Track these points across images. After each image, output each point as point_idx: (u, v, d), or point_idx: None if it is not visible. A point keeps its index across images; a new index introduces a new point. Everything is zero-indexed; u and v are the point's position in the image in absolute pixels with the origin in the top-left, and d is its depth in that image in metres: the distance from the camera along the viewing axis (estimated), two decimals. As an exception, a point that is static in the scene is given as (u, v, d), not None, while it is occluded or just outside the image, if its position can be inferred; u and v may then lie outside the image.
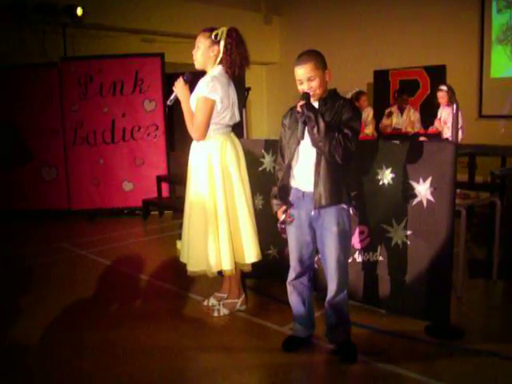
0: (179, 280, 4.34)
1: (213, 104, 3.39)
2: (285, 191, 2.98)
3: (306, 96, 2.76)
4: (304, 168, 2.87)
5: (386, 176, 3.33)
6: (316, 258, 3.15)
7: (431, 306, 3.24)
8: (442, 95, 6.43)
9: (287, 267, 3.11)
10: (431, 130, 6.56)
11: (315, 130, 2.69)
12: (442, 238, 3.14)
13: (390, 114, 7.66)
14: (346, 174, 2.85)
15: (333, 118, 2.77)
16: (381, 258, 3.46)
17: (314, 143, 2.75)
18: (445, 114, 6.46)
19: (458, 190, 3.85)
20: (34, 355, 3.21)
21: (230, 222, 3.50)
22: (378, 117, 7.94)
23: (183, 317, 3.76)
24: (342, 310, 3.00)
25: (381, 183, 3.36)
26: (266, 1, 11.82)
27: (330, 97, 2.85)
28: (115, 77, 7.12)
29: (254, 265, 3.67)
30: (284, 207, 2.98)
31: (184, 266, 3.62)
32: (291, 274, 3.08)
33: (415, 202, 3.24)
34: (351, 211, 2.95)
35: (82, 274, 4.75)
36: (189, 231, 3.56)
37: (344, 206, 2.86)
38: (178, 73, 3.75)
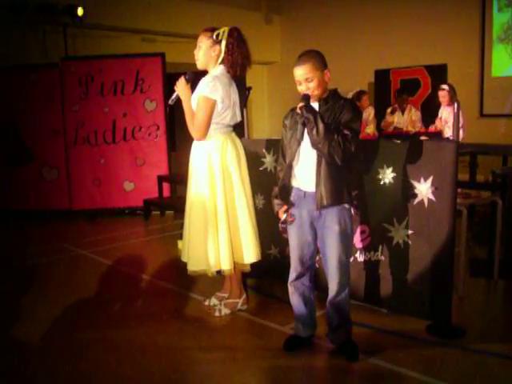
0: (180, 280, 4.34)
1: (213, 104, 3.39)
2: (286, 191, 2.98)
3: (305, 98, 2.77)
4: (305, 168, 2.87)
5: (387, 175, 3.33)
6: (317, 258, 3.15)
7: (432, 305, 3.24)
8: (443, 94, 6.42)
9: (288, 267, 3.11)
10: (432, 128, 6.55)
11: (314, 131, 2.69)
12: (443, 237, 3.13)
13: (395, 111, 7.65)
14: (347, 173, 2.85)
15: (333, 118, 2.77)
16: (382, 258, 3.46)
17: (314, 145, 2.75)
18: (446, 113, 6.45)
19: (459, 190, 3.85)
20: (35, 355, 3.22)
21: (229, 222, 3.50)
22: (379, 116, 7.93)
23: (184, 317, 3.76)
24: (344, 310, 3.00)
25: (382, 183, 3.36)
26: (267, 0, 11.81)
27: (331, 97, 2.85)
28: (116, 77, 7.12)
29: (255, 264, 3.67)
30: (285, 207, 2.98)
31: (185, 265, 3.63)
32: (292, 275, 3.08)
33: (416, 201, 3.24)
34: (352, 211, 2.95)
35: (83, 274, 4.75)
36: (189, 231, 3.57)
37: (345, 205, 2.86)
38: (178, 73, 3.75)
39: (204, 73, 3.52)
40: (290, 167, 2.93)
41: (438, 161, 3.12)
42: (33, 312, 3.88)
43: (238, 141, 3.65)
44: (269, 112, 12.38)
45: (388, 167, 3.32)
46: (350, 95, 7.27)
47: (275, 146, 3.69)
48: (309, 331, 3.17)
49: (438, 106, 6.62)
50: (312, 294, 3.14)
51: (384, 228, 3.40)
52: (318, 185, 2.80)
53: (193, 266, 3.57)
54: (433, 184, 3.15)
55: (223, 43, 3.44)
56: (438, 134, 6.38)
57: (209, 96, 3.37)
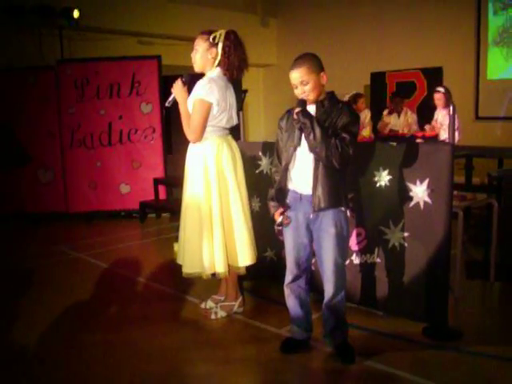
0: (177, 283, 4.34)
1: (209, 106, 3.39)
2: (282, 193, 2.98)
3: (301, 103, 2.77)
4: (301, 171, 2.87)
5: (383, 178, 3.33)
6: (313, 261, 3.15)
7: (429, 307, 3.24)
8: (438, 97, 6.43)
9: (284, 269, 3.11)
10: (428, 131, 6.56)
11: (311, 136, 2.70)
12: (439, 239, 3.14)
13: (392, 112, 7.66)
14: (343, 176, 2.85)
15: (330, 121, 2.77)
16: (378, 260, 3.46)
17: (311, 149, 2.75)
18: (441, 116, 6.46)
19: (455, 192, 3.85)
20: (33, 358, 3.20)
21: (224, 224, 3.49)
22: (375, 119, 7.95)
23: (181, 319, 3.76)
24: (340, 312, 3.00)
25: (378, 185, 3.36)
26: (263, 3, 11.83)
27: (328, 100, 2.85)
28: (112, 79, 7.12)
29: (251, 267, 3.67)
30: (281, 209, 2.98)
31: (181, 268, 3.62)
32: (288, 277, 3.07)
33: (412, 203, 3.24)
34: (348, 213, 2.95)
35: (79, 277, 4.74)
36: (184, 233, 3.56)
37: (342, 208, 2.86)
38: (175, 75, 3.75)
39: (201, 75, 3.52)
40: (285, 170, 2.93)
41: (433, 163, 3.12)
42: (29, 315, 3.87)
43: (234, 143, 3.65)
44: (265, 115, 12.40)
45: (384, 170, 3.33)
46: (346, 98, 7.28)
47: (271, 148, 3.69)
48: (305, 334, 3.17)
49: (434, 108, 6.63)
50: (308, 297, 3.14)
51: (380, 230, 3.40)
52: (314, 188, 2.80)
53: (188, 269, 3.56)
54: (429, 186, 3.15)
55: (220, 46, 3.44)
56: (434, 137, 6.39)
57: (204, 98, 3.37)
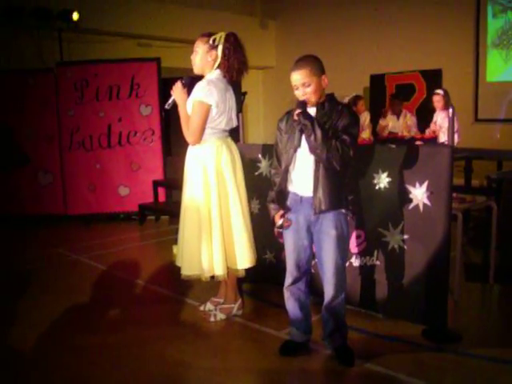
0: (176, 285, 4.33)
1: (208, 108, 3.38)
2: (282, 195, 2.97)
3: (302, 104, 2.77)
4: (302, 173, 2.87)
5: (383, 180, 3.33)
6: (312, 262, 3.14)
7: (428, 310, 3.24)
8: (437, 99, 6.43)
9: (283, 271, 3.10)
10: (428, 134, 6.56)
11: (312, 138, 2.70)
12: (438, 241, 3.14)
13: (385, 114, 7.69)
14: (343, 178, 2.84)
15: (330, 123, 2.77)
16: (377, 262, 3.46)
17: (312, 150, 2.75)
18: (440, 118, 6.46)
19: (455, 194, 3.85)
20: (31, 360, 3.20)
21: (223, 227, 3.49)
22: (374, 121, 7.95)
23: (180, 322, 3.75)
24: (340, 315, 3.00)
25: (377, 187, 3.36)
26: (262, 5, 11.86)
27: (328, 102, 2.85)
28: (111, 81, 7.11)
29: (250, 269, 3.66)
30: (281, 211, 2.97)
31: (180, 270, 3.61)
32: (288, 279, 3.07)
33: (412, 206, 3.24)
34: (349, 216, 2.95)
35: (78, 279, 4.73)
36: (183, 235, 3.56)
37: (342, 210, 2.86)
38: (174, 77, 3.75)
39: (201, 77, 3.52)
40: (286, 172, 2.92)
41: (433, 166, 3.12)
42: (27, 317, 3.86)
43: (233, 146, 3.65)
44: (264, 117, 12.41)
45: (383, 172, 3.33)
46: (346, 100, 7.28)
47: (271, 151, 3.68)
48: (304, 336, 3.16)
49: (433, 110, 6.63)
50: (308, 299, 3.13)
51: (379, 233, 3.40)
52: (315, 190, 2.80)
53: (186, 271, 3.55)
54: (428, 189, 3.15)
55: (220, 48, 3.44)
56: (433, 139, 6.39)
57: (203, 100, 3.36)
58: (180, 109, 3.49)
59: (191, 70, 3.56)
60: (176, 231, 3.85)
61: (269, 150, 3.91)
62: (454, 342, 3.20)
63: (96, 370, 3.05)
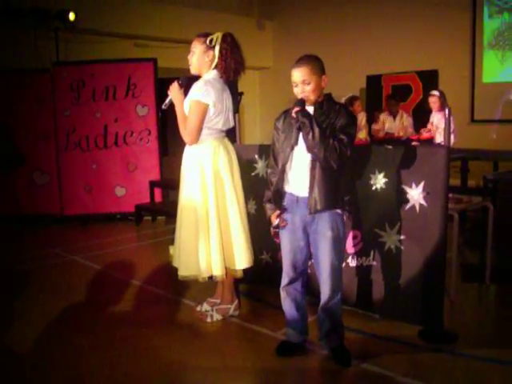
0: (172, 285, 4.33)
1: (205, 108, 3.38)
2: (279, 195, 2.97)
3: (300, 102, 2.77)
4: (298, 172, 2.87)
5: (379, 181, 3.33)
6: (309, 263, 3.14)
7: (424, 310, 3.24)
8: (433, 100, 6.44)
9: (280, 272, 3.10)
10: (425, 135, 6.57)
11: (310, 136, 2.69)
12: (434, 242, 3.14)
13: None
14: (340, 178, 2.84)
15: (328, 123, 2.77)
16: (374, 263, 3.46)
17: (309, 149, 2.75)
18: (437, 119, 6.47)
19: (451, 195, 3.86)
20: (28, 360, 3.19)
21: (221, 227, 3.49)
22: (371, 122, 7.96)
23: (176, 322, 3.75)
24: (336, 315, 3.00)
25: (373, 188, 3.36)
26: (259, 6, 11.85)
27: (326, 102, 2.85)
28: (108, 82, 7.11)
29: (246, 270, 3.66)
30: (277, 212, 2.97)
31: (176, 271, 3.61)
32: (284, 280, 3.07)
33: (408, 206, 3.24)
34: (345, 216, 2.95)
35: (74, 280, 4.72)
36: (180, 236, 3.55)
37: (338, 210, 2.86)
38: (171, 78, 3.75)
39: (197, 77, 3.52)
40: (282, 171, 2.92)
41: (429, 166, 3.13)
42: (24, 317, 3.85)
43: (230, 146, 3.65)
44: (261, 117, 12.40)
45: (380, 173, 3.33)
46: (342, 100, 7.29)
47: (267, 151, 3.69)
48: (301, 337, 3.16)
49: (430, 111, 6.64)
50: (304, 300, 3.13)
51: (376, 233, 3.40)
52: (311, 189, 2.80)
53: (183, 272, 3.55)
54: (424, 189, 3.15)
55: (217, 48, 3.44)
56: (430, 140, 6.40)
57: (201, 100, 3.36)
58: (177, 109, 3.49)
59: (188, 70, 3.56)
60: (172, 231, 3.84)
61: (265, 151, 3.91)
62: (450, 343, 3.20)
63: (93, 370, 3.05)
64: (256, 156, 4.05)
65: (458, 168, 6.57)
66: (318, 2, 10.83)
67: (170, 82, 3.57)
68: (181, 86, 3.51)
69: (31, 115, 7.09)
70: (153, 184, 7.16)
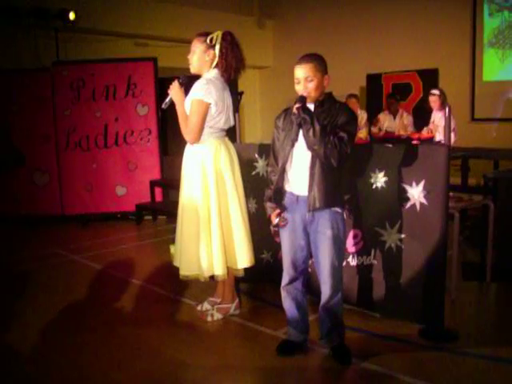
0: (173, 285, 4.33)
1: (207, 107, 3.38)
2: (279, 194, 2.97)
3: (302, 99, 2.77)
4: (298, 171, 2.86)
5: (379, 179, 3.33)
6: (309, 262, 3.14)
7: (425, 308, 3.24)
8: (434, 99, 6.43)
9: (280, 271, 3.10)
10: (425, 134, 6.56)
11: (311, 132, 2.69)
12: (435, 240, 3.14)
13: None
14: (340, 177, 2.84)
15: (328, 121, 2.77)
16: (375, 262, 3.46)
17: (310, 146, 2.75)
18: (437, 118, 6.47)
19: (451, 193, 3.86)
20: (27, 361, 3.19)
21: (222, 226, 3.48)
22: (371, 120, 7.95)
23: (177, 322, 3.75)
24: (337, 314, 3.00)
25: (374, 187, 3.36)
26: (259, 5, 11.85)
27: (326, 100, 2.86)
28: (108, 81, 7.11)
29: (247, 269, 3.66)
30: (278, 210, 2.97)
31: (177, 270, 3.61)
32: (285, 279, 3.07)
33: (408, 205, 3.24)
34: (345, 215, 2.95)
35: (74, 280, 4.73)
36: (181, 235, 3.55)
37: (338, 209, 2.86)
38: (171, 77, 3.75)
39: (198, 76, 3.52)
40: (282, 170, 2.92)
41: (429, 165, 3.13)
42: (24, 318, 3.85)
43: (231, 145, 3.64)
44: (261, 116, 12.40)
45: (380, 171, 3.33)
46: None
47: (267, 150, 3.69)
48: (302, 336, 3.16)
49: (430, 110, 6.63)
50: (305, 299, 3.13)
51: (376, 232, 3.40)
52: (310, 187, 2.80)
53: (185, 271, 3.55)
54: (425, 188, 3.15)
55: (217, 47, 3.44)
56: (430, 139, 6.39)
57: (203, 99, 3.36)
58: (178, 108, 3.49)
59: (188, 69, 3.56)
60: (173, 231, 3.84)
61: (265, 150, 3.91)
62: (450, 341, 3.20)
63: (93, 370, 3.05)
64: (256, 155, 4.04)
65: (459, 166, 6.57)
66: (319, 1, 10.82)
67: (170, 81, 3.56)
68: (181, 84, 3.50)
69: (31, 115, 7.08)
70: (153, 183, 7.16)
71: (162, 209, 7.15)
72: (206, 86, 3.38)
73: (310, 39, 10.72)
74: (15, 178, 7.12)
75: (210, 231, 3.46)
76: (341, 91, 7.22)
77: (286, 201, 2.96)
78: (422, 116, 7.28)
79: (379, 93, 9.17)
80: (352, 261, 3.56)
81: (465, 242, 5.22)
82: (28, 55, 8.02)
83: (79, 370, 3.06)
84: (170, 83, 3.52)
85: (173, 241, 3.80)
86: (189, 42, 3.54)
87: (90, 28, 8.53)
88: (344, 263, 3.29)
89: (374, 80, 9.40)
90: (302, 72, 2.79)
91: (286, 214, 2.96)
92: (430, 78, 8.48)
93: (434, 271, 3.18)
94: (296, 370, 3.01)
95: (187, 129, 3.44)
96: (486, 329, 3.51)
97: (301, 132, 2.80)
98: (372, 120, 7.90)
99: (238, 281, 3.93)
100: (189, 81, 3.53)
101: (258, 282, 4.21)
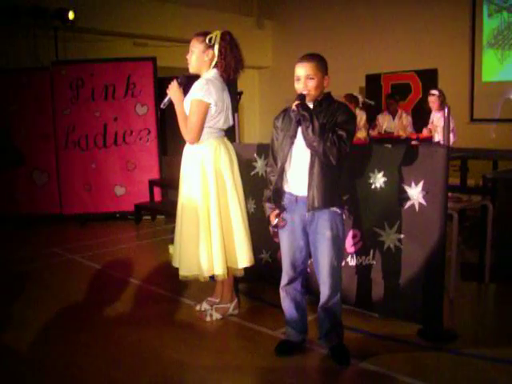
0: (171, 285, 4.33)
1: (207, 107, 3.38)
2: (278, 195, 2.97)
3: (301, 96, 2.78)
4: (297, 171, 2.87)
5: (378, 180, 3.33)
6: (308, 262, 3.14)
7: (424, 309, 3.24)
8: (433, 100, 6.44)
9: (279, 271, 3.11)
10: (424, 134, 6.57)
11: (310, 129, 2.70)
12: (434, 241, 3.14)
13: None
14: (338, 177, 2.85)
15: (327, 120, 2.77)
16: (373, 262, 3.46)
17: (308, 143, 2.75)
18: (436, 118, 6.47)
19: (450, 194, 3.86)
20: (27, 360, 3.19)
21: (222, 226, 3.48)
22: (371, 121, 7.96)
23: (175, 322, 3.75)
24: (336, 315, 3.00)
25: (373, 187, 3.36)
26: (258, 5, 11.84)
27: (325, 100, 2.86)
28: (107, 81, 7.10)
29: (246, 269, 3.66)
30: (277, 211, 2.97)
31: (176, 270, 3.61)
32: (284, 279, 3.07)
33: (407, 205, 3.24)
34: (344, 215, 2.95)
35: (73, 279, 4.72)
36: (181, 235, 3.55)
37: (337, 210, 2.86)
38: (170, 77, 3.74)
39: (196, 76, 3.52)
40: (282, 170, 2.92)
41: (428, 165, 3.13)
42: (22, 317, 3.85)
43: (230, 145, 3.64)
44: (260, 116, 12.40)
45: (379, 172, 3.33)
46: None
47: (266, 150, 3.68)
48: (300, 336, 3.16)
49: (429, 111, 6.64)
50: (304, 299, 3.13)
51: (375, 232, 3.40)
52: (309, 186, 2.80)
53: (184, 271, 3.55)
54: (424, 188, 3.15)
55: (216, 47, 3.44)
56: (429, 139, 6.40)
57: (202, 99, 3.36)
58: (176, 107, 3.49)
59: (187, 69, 3.56)
60: (172, 231, 3.84)
61: (264, 150, 3.91)
62: (449, 341, 3.21)
63: (92, 370, 3.05)
64: (255, 155, 4.04)
65: (458, 167, 6.56)
66: (318, 1, 10.83)
67: (169, 81, 3.56)
68: (180, 84, 3.50)
69: (30, 114, 7.07)
70: (152, 183, 7.15)
71: (160, 209, 7.15)
72: (206, 86, 3.37)
73: (309, 39, 10.71)
74: (14, 177, 7.11)
75: (210, 231, 3.46)
76: (340, 91, 7.24)
77: (285, 201, 2.96)
78: (421, 116, 7.30)
79: (378, 93, 9.17)
80: (351, 261, 3.56)
81: (463, 243, 5.23)
82: (27, 55, 8.01)
83: (78, 369, 3.05)
84: (169, 83, 3.52)
85: (172, 241, 3.80)
86: (188, 42, 3.53)
87: (89, 27, 8.52)
88: (343, 263, 3.29)
89: (373, 80, 9.40)
90: (303, 70, 2.80)
91: (285, 215, 2.96)
92: (429, 78, 8.49)
93: (432, 271, 3.18)
94: (294, 370, 3.01)
95: (187, 129, 3.44)
96: (485, 329, 3.51)
97: (299, 130, 2.81)
98: (371, 121, 7.89)
99: (236, 281, 3.93)
100: (187, 81, 3.52)
101: (257, 281, 4.21)
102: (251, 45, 10.44)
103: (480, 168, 6.81)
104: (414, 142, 6.33)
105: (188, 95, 3.45)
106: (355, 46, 10.24)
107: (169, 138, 7.51)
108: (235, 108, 4.26)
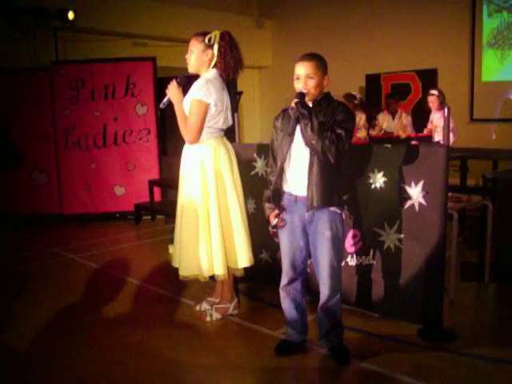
0: (171, 285, 4.32)
1: (207, 107, 3.38)
2: (278, 195, 2.97)
3: (300, 95, 2.78)
4: (297, 171, 2.87)
5: (378, 180, 3.33)
6: (308, 262, 3.14)
7: (424, 309, 3.24)
8: (432, 100, 6.44)
9: (279, 271, 3.10)
10: (423, 133, 6.57)
11: (309, 127, 2.70)
12: (434, 241, 3.14)
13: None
14: (338, 177, 2.85)
15: (326, 119, 2.78)
16: (373, 262, 3.46)
17: (307, 141, 2.75)
18: (436, 118, 6.47)
19: (450, 194, 3.86)
20: (26, 360, 3.19)
21: (222, 226, 3.48)
22: (370, 121, 7.94)
23: (175, 322, 3.74)
24: (335, 315, 3.00)
25: (373, 187, 3.36)
26: (258, 5, 11.84)
27: (324, 99, 2.86)
28: (107, 81, 7.10)
29: (246, 269, 3.66)
30: (276, 211, 2.97)
31: (176, 270, 3.61)
32: (284, 279, 3.07)
33: (407, 205, 3.24)
34: (344, 215, 2.95)
35: (73, 279, 4.72)
36: (181, 235, 3.55)
37: (337, 210, 2.86)
38: (169, 77, 3.74)
39: (196, 76, 3.52)
40: (281, 170, 2.92)
41: (428, 165, 3.13)
42: (22, 317, 3.85)
43: (229, 145, 3.64)
44: (260, 116, 12.40)
45: (379, 172, 3.33)
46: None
47: (266, 150, 3.68)
48: (300, 336, 3.16)
49: (429, 110, 6.64)
50: (304, 299, 3.13)
51: (375, 232, 3.40)
52: (309, 186, 2.80)
53: (184, 271, 3.55)
54: (423, 188, 3.15)
55: (215, 47, 3.44)
56: (429, 139, 6.40)
57: (202, 99, 3.35)
58: (176, 107, 3.49)
59: (187, 69, 3.56)
60: (172, 231, 3.84)
61: (264, 150, 3.90)
62: (449, 342, 3.21)
63: (91, 369, 3.04)
64: (255, 155, 4.04)
65: (458, 167, 6.57)
66: (317, 1, 10.82)
67: (168, 81, 3.56)
68: (179, 84, 3.50)
69: (30, 114, 7.07)
70: (152, 183, 7.15)
71: (160, 209, 7.15)
72: (206, 86, 3.37)
73: (308, 39, 10.71)
74: (14, 177, 7.11)
75: (210, 231, 3.46)
76: (340, 91, 7.23)
77: (285, 201, 2.96)
78: (421, 116, 7.29)
79: (378, 93, 9.17)
80: (351, 261, 3.56)
81: (463, 243, 5.22)
82: (27, 54, 8.01)
83: (77, 369, 3.05)
84: (169, 83, 3.52)
85: (171, 241, 3.80)
86: (188, 42, 3.53)
87: (89, 27, 8.52)
88: (343, 263, 3.29)
89: (372, 80, 9.41)
90: (303, 69, 2.80)
91: (284, 215, 2.96)
92: (428, 78, 8.50)
93: (432, 271, 3.18)
94: (294, 370, 3.01)
95: (186, 129, 3.43)
96: (485, 329, 3.51)
97: (298, 129, 2.81)
98: (371, 121, 7.88)
99: (236, 281, 3.93)
100: (187, 81, 3.52)
101: (257, 281, 4.20)
102: (251, 44, 10.45)
103: (480, 168, 6.81)
104: (413, 142, 6.32)
105: (187, 95, 3.45)
106: (355, 45, 10.24)
107: (169, 138, 7.51)
108: (235, 108, 4.26)
